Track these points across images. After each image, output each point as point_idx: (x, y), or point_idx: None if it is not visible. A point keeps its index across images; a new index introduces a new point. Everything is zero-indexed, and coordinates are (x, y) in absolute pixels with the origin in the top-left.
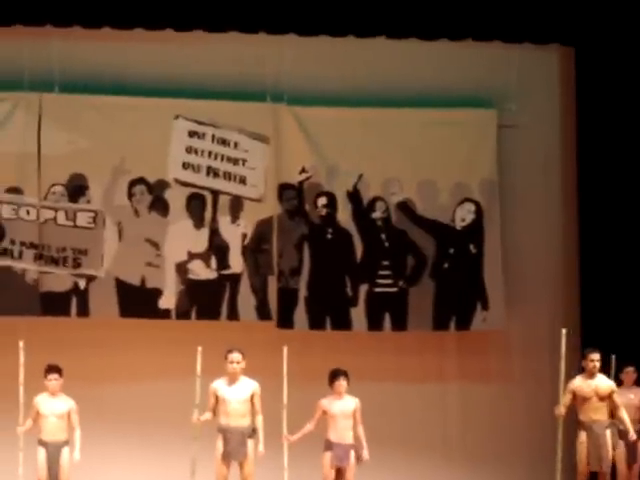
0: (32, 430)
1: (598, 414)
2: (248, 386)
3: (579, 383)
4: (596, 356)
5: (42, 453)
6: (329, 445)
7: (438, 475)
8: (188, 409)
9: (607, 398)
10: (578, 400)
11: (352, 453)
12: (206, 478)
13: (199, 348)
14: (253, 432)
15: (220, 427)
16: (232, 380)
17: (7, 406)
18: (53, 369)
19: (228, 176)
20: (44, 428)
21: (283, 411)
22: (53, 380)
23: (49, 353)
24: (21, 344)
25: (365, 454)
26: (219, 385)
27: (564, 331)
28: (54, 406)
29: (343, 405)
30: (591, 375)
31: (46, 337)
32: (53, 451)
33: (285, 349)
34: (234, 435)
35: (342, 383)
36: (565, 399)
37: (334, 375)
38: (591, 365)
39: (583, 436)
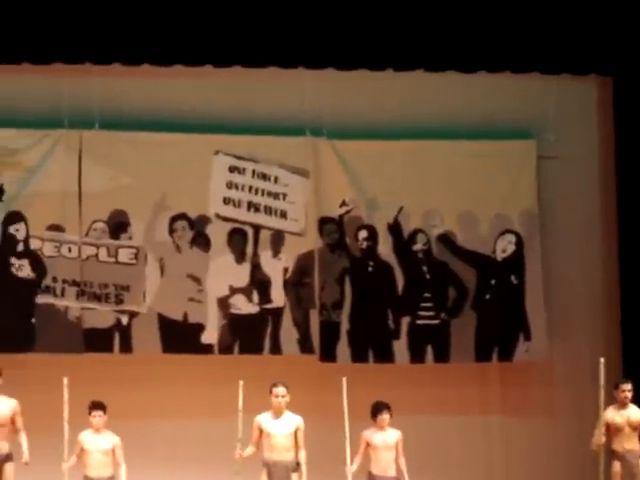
0: (77, 466)
1: (631, 443)
2: (292, 420)
3: (612, 414)
4: (627, 386)
5: None
6: (372, 478)
7: None
8: (231, 444)
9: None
10: (611, 430)
11: None
12: None
13: (240, 382)
14: (297, 466)
15: (264, 461)
16: (276, 414)
17: (52, 442)
18: (97, 405)
19: (269, 210)
20: (89, 464)
21: (346, 443)
22: (97, 417)
23: (93, 389)
24: (65, 381)
25: None
26: (263, 419)
27: (602, 360)
28: (98, 442)
29: (386, 437)
30: (623, 405)
31: (89, 373)
32: None
33: (344, 380)
34: (278, 469)
35: (385, 417)
36: (600, 429)
37: (377, 408)
38: (622, 395)
39: (617, 466)
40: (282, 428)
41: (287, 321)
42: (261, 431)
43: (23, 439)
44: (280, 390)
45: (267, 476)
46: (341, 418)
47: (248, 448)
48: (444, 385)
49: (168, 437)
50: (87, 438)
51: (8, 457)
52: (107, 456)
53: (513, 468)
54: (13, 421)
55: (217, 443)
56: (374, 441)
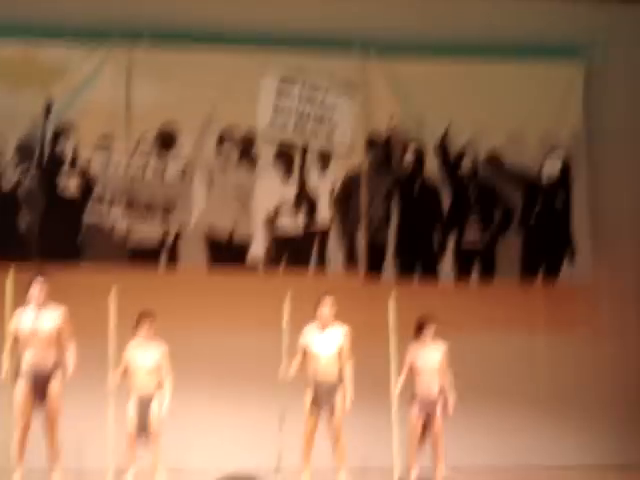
0: (124, 375)
1: None
2: (337, 337)
3: None
4: None
5: (133, 401)
6: (416, 395)
7: (525, 425)
8: (276, 360)
9: None
10: None
11: (439, 403)
12: (295, 428)
13: (286, 299)
14: (342, 384)
15: (309, 379)
16: (323, 326)
17: (99, 355)
18: (145, 317)
19: (316, 130)
20: (135, 376)
21: (391, 361)
22: (145, 327)
23: (139, 306)
24: (112, 295)
25: (451, 404)
26: (309, 335)
27: None
28: (145, 354)
29: (430, 355)
30: None
31: (136, 290)
32: (144, 399)
33: (390, 299)
34: (323, 386)
35: (429, 333)
36: None
37: (422, 324)
38: None
39: None
40: (327, 345)
41: (333, 240)
42: (307, 349)
43: (70, 351)
44: (327, 302)
45: (312, 393)
46: (386, 336)
47: (294, 364)
48: (489, 304)
49: (214, 350)
50: (134, 350)
51: (55, 368)
52: (154, 368)
53: (558, 386)
54: (60, 333)
55: (263, 359)
56: (419, 358)
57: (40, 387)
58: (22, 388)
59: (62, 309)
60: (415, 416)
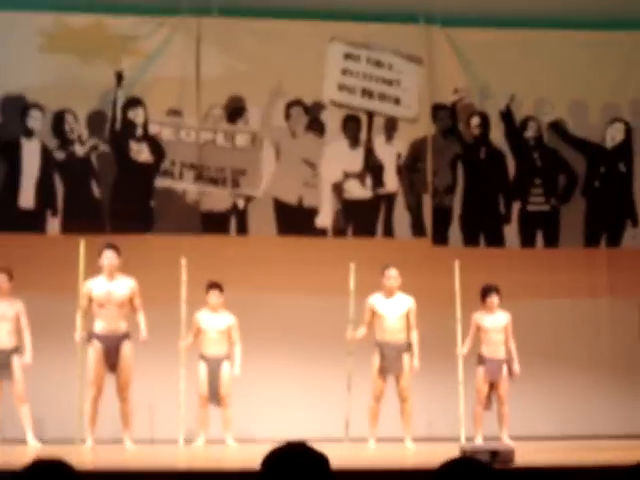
0: (193, 345)
1: None
2: (404, 302)
3: None
4: None
5: (203, 368)
6: (482, 360)
7: (588, 388)
8: (343, 324)
9: None
10: None
11: (504, 367)
12: (363, 392)
13: (352, 264)
14: (409, 347)
15: (376, 342)
16: (388, 296)
17: (169, 322)
18: (214, 285)
19: (382, 97)
20: (205, 343)
21: (457, 326)
22: (214, 296)
23: (210, 270)
24: (183, 262)
25: (517, 368)
26: (376, 300)
27: None
28: (215, 321)
29: (495, 320)
30: None
31: (207, 255)
32: (214, 366)
33: (457, 263)
34: (390, 350)
35: (494, 299)
36: None
37: (486, 291)
38: None
39: None
40: (394, 309)
41: (400, 205)
42: (373, 312)
43: (141, 318)
44: (392, 272)
45: (379, 356)
46: (452, 301)
47: (360, 329)
48: (553, 269)
49: (282, 316)
50: (204, 317)
51: (126, 336)
52: (223, 335)
53: (622, 351)
54: (132, 301)
55: (330, 323)
56: (484, 324)
57: (112, 352)
58: (94, 353)
59: (133, 279)
60: (481, 379)
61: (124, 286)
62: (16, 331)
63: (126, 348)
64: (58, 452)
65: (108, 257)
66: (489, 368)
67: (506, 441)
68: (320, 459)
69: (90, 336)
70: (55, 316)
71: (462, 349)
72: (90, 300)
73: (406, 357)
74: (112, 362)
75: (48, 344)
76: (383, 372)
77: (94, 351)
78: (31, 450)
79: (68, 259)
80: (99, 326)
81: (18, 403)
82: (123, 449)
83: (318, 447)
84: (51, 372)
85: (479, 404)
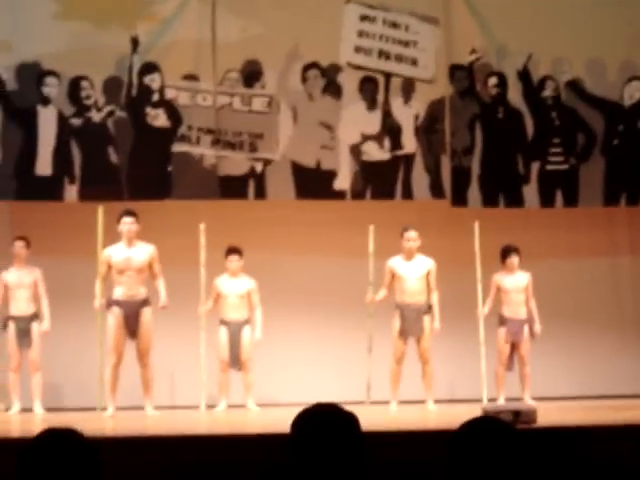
0: (213, 310)
1: None
2: (424, 264)
3: None
4: None
5: (224, 332)
6: (503, 320)
7: (610, 348)
8: (363, 287)
9: None
10: None
11: (526, 328)
12: (383, 354)
13: (371, 227)
14: (429, 309)
15: (397, 304)
16: (408, 258)
17: (189, 287)
18: (234, 250)
19: (399, 58)
20: (225, 308)
21: (477, 286)
22: (234, 261)
23: (228, 234)
24: (202, 227)
25: (538, 328)
26: (395, 263)
27: None
28: (234, 286)
29: (515, 280)
30: None
31: (225, 219)
32: (234, 330)
33: (476, 224)
34: (410, 312)
35: (514, 260)
36: None
37: (506, 252)
38: None
39: None
40: (413, 271)
41: (418, 167)
42: (393, 274)
43: (161, 284)
44: (411, 234)
45: (399, 318)
46: (472, 262)
47: (380, 291)
48: (573, 229)
49: (302, 280)
50: (223, 282)
51: (146, 302)
52: (243, 300)
53: None
54: (151, 267)
55: (350, 286)
56: (504, 284)
57: (132, 319)
58: (114, 320)
59: (152, 245)
60: (503, 340)
61: (143, 252)
62: (34, 298)
63: (146, 314)
64: (80, 419)
65: (127, 223)
66: (510, 329)
67: (528, 401)
68: (350, 419)
69: (109, 303)
70: (74, 283)
71: (483, 310)
72: (109, 267)
73: (427, 319)
74: (132, 329)
75: (66, 311)
76: (404, 334)
77: (114, 318)
78: (38, 418)
79: (86, 225)
80: (119, 292)
81: (32, 370)
82: (144, 415)
83: None
84: (70, 339)
85: (501, 365)
